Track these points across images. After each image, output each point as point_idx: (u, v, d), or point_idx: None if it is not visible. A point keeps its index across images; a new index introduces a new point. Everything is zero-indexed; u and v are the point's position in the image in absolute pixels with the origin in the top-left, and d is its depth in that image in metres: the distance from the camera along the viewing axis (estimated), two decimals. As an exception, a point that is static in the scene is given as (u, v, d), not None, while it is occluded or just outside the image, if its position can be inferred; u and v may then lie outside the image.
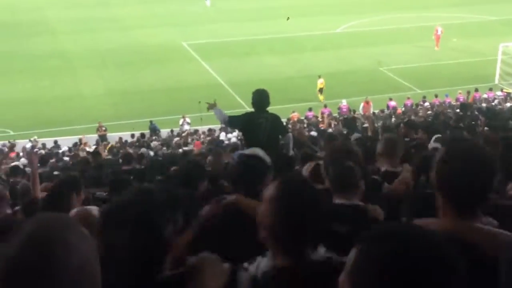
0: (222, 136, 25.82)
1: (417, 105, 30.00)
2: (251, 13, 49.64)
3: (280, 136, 8.70)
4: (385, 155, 5.97)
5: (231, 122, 9.06)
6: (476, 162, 2.68)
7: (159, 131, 28.29)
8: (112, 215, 2.55)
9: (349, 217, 3.63)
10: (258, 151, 4.41)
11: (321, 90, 32.99)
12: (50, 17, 47.72)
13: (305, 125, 26.08)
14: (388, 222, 2.96)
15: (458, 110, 23.05)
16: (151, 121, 28.66)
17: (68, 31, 44.67)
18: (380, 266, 1.57)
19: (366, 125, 22.23)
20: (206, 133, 27.02)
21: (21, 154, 24.08)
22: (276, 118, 8.72)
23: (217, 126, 27.02)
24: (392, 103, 30.94)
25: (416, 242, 1.62)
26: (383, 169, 5.91)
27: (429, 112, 24.83)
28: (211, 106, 9.33)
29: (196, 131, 27.49)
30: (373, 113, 29.54)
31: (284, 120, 25.45)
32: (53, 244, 1.61)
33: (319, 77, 32.77)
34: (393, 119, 25.54)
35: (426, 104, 29.95)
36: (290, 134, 9.15)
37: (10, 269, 1.57)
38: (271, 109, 9.01)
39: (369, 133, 10.91)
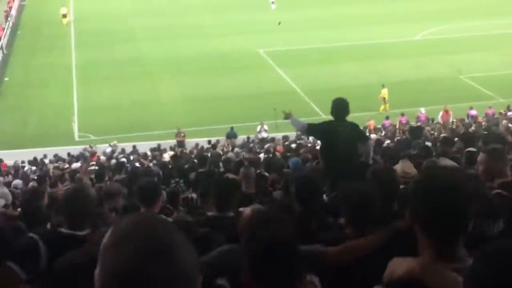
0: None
1: (500, 113, 29.07)
2: (328, 21, 49.35)
3: (359, 144, 8.58)
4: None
5: (310, 130, 8.98)
6: (451, 192, 2.52)
7: (236, 137, 28.56)
8: None
9: None
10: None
11: (384, 100, 32.47)
12: (133, 26, 48.96)
13: (382, 134, 25.76)
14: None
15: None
16: (232, 127, 28.98)
17: (149, 38, 45.69)
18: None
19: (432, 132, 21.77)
20: (281, 140, 27.00)
21: (101, 158, 24.82)
22: (355, 126, 8.62)
23: (292, 134, 26.99)
24: (473, 112, 30.10)
25: None
26: (498, 180, 5.67)
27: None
28: (288, 116, 9.30)
29: (273, 139, 27.52)
30: (452, 122, 28.87)
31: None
32: (171, 247, 1.59)
33: (383, 86, 32.27)
34: (472, 128, 24.81)
35: (510, 114, 29.00)
36: (371, 141, 9.02)
37: (121, 273, 1.54)
38: (349, 116, 8.90)
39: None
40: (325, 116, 26.75)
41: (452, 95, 33.14)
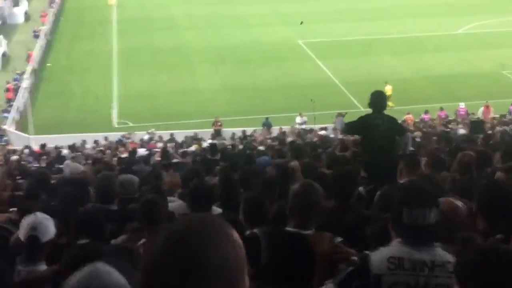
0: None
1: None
2: (369, 13, 48.87)
3: (397, 137, 8.53)
4: None
5: (348, 129, 9.02)
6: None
7: (271, 127, 28.52)
8: None
9: None
10: None
11: (388, 97, 31.73)
12: (175, 14, 49.23)
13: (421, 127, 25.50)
14: None
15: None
16: (267, 118, 28.99)
17: (190, 27, 45.88)
18: None
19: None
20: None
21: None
22: (392, 119, 8.58)
23: (330, 125, 26.88)
24: (515, 109, 29.57)
25: None
26: None
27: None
28: (339, 116, 9.40)
29: (311, 130, 27.40)
30: (493, 118, 28.42)
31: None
32: (191, 243, 1.64)
33: (386, 83, 30.19)
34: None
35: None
36: (409, 134, 8.97)
37: (150, 264, 1.64)
38: (387, 110, 8.87)
39: None
40: (363, 109, 26.61)
41: (494, 90, 32.57)
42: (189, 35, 43.98)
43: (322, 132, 24.02)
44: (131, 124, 30.33)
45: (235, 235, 1.73)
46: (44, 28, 44.18)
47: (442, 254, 3.28)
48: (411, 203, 3.27)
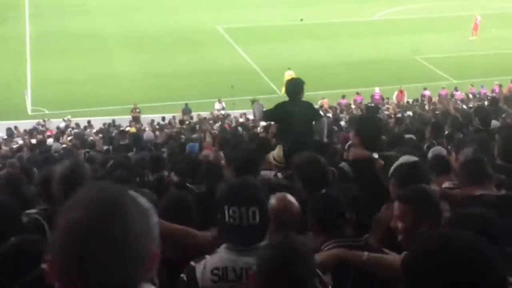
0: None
1: (451, 95, 29.71)
2: (287, -2, 49.42)
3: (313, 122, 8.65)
4: None
5: (266, 116, 9.06)
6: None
7: (190, 113, 28.45)
8: None
9: None
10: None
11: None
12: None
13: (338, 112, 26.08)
14: None
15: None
16: (186, 104, 28.84)
17: (107, 12, 44.98)
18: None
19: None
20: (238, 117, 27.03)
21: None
22: (309, 105, 8.69)
23: (249, 111, 27.02)
24: (427, 93, 30.61)
25: None
26: None
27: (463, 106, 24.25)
28: (255, 101, 9.36)
29: (228, 115, 27.57)
30: (407, 102, 29.37)
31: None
32: (124, 209, 1.63)
33: (289, 69, 30.42)
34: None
35: (458, 93, 29.82)
36: (324, 119, 9.11)
37: (74, 231, 1.58)
38: (306, 95, 8.98)
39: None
40: (281, 94, 26.94)
41: (407, 75, 33.62)
42: (106, 20, 43.07)
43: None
44: (46, 112, 29.49)
45: (144, 203, 1.74)
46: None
47: None
48: (232, 202, 3.14)
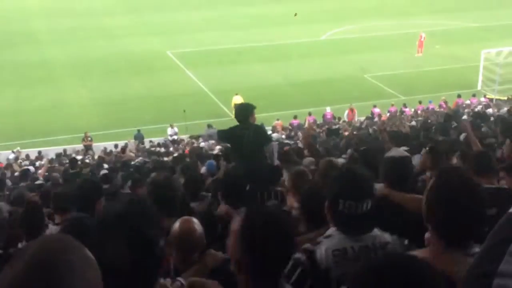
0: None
1: (401, 112, 30.24)
2: (237, 21, 49.78)
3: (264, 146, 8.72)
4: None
5: (220, 136, 9.10)
6: (465, 195, 2.66)
7: (143, 139, 28.23)
8: (109, 227, 2.49)
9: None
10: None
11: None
12: (37, 27, 47.60)
13: (289, 132, 26.26)
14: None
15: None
16: (138, 130, 28.61)
17: (53, 40, 44.54)
18: None
19: (346, 133, 22.47)
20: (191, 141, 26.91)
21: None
22: (258, 128, 8.76)
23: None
24: (377, 110, 31.08)
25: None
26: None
27: (413, 123, 24.65)
28: (195, 137, 9.49)
29: (181, 140, 27.44)
30: (358, 120, 29.76)
31: (268, 128, 25.49)
32: (58, 267, 1.58)
33: (236, 94, 30.65)
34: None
35: (407, 110, 30.40)
36: (274, 143, 9.20)
37: (13, 284, 1.55)
38: (257, 116, 9.06)
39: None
40: (233, 116, 26.96)
41: (357, 94, 34.11)
42: (53, 49, 42.60)
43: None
44: (-6, 143, 28.87)
45: (90, 254, 1.71)
46: None
47: (381, 235, 3.48)
48: (346, 195, 3.42)
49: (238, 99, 29.14)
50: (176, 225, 3.95)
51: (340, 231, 3.46)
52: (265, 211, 2.83)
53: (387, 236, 3.48)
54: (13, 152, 26.58)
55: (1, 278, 1.58)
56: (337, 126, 27.52)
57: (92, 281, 1.64)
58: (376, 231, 3.49)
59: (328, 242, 3.43)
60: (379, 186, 4.67)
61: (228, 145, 10.17)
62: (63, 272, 1.58)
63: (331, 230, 3.52)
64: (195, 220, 4.05)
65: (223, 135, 9.02)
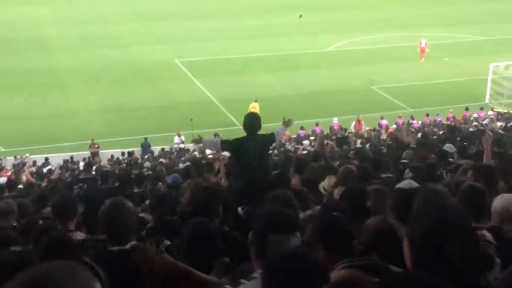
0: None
1: (408, 123, 30.18)
2: (245, 32, 49.84)
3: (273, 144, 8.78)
4: None
5: (223, 146, 9.09)
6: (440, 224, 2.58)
7: (150, 147, 28.25)
8: None
9: None
10: None
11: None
12: (47, 34, 47.79)
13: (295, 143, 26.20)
14: None
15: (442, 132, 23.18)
16: (145, 138, 28.65)
17: (63, 47, 44.68)
18: None
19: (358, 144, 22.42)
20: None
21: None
22: (263, 136, 8.77)
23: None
24: (384, 122, 31.01)
25: None
26: None
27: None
28: (197, 141, 9.39)
29: (188, 150, 27.43)
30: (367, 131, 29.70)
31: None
32: None
33: (255, 101, 31.39)
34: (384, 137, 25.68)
35: (414, 122, 30.30)
36: (277, 130, 9.13)
37: None
38: (265, 126, 9.05)
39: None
40: (241, 126, 26.92)
41: (364, 105, 34.06)
42: (62, 56, 42.73)
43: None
44: (2, 149, 28.96)
45: (87, 278, 1.70)
46: None
47: None
48: (275, 229, 3.21)
49: (254, 106, 29.43)
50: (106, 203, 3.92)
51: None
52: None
53: None
54: (15, 158, 26.53)
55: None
56: (346, 134, 27.56)
57: None
58: None
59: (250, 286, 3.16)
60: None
61: (227, 153, 10.19)
62: None
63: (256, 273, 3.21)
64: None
65: (226, 146, 9.01)
